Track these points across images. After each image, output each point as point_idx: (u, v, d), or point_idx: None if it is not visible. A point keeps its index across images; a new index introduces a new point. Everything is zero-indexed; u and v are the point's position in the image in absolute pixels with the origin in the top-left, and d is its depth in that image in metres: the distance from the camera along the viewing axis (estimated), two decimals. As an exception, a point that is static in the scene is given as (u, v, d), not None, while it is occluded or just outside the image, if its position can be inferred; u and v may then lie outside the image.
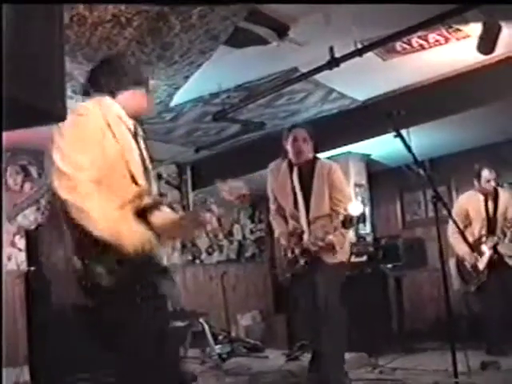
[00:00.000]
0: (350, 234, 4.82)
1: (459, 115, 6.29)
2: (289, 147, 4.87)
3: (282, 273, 4.96)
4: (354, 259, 6.90)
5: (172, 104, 6.25)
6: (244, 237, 9.76)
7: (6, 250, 6.66)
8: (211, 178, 9.00)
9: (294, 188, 4.85)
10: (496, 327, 6.01)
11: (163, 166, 8.49)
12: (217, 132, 7.51)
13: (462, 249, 6.20)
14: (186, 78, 5.44)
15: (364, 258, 6.99)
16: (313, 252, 4.65)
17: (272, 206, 5.08)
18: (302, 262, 4.71)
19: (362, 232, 7.64)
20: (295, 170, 4.86)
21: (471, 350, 5.61)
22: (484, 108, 6.15)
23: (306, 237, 4.73)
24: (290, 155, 4.87)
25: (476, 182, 6.35)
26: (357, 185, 7.85)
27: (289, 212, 4.92)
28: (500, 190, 6.49)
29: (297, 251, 4.77)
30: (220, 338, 7.11)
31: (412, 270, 7.25)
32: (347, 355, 5.51)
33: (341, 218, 4.44)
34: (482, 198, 6.35)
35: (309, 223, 4.76)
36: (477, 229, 6.21)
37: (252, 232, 9.84)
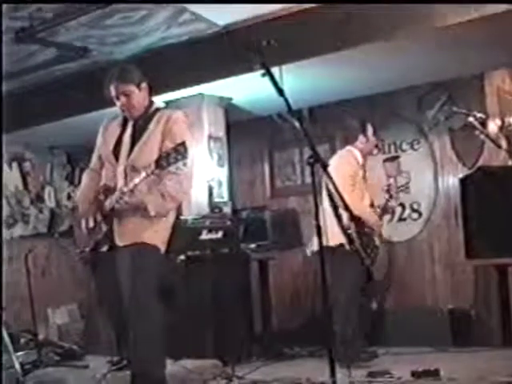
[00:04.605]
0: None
1: (350, 51, 6.39)
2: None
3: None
4: (205, 236, 6.88)
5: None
6: (58, 204, 9.64)
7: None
8: (16, 121, 8.67)
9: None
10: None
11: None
12: (22, 57, 7.29)
13: (362, 209, 6.16)
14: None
15: (219, 235, 6.99)
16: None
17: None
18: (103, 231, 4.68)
19: (217, 200, 7.62)
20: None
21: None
22: (388, 43, 6.23)
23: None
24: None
25: (362, 138, 6.43)
26: (212, 137, 7.76)
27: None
28: None
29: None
30: (22, 341, 6.94)
31: (282, 251, 7.34)
32: (192, 363, 5.54)
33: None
34: (360, 159, 6.43)
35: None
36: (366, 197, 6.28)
37: (70, 198, 9.64)
